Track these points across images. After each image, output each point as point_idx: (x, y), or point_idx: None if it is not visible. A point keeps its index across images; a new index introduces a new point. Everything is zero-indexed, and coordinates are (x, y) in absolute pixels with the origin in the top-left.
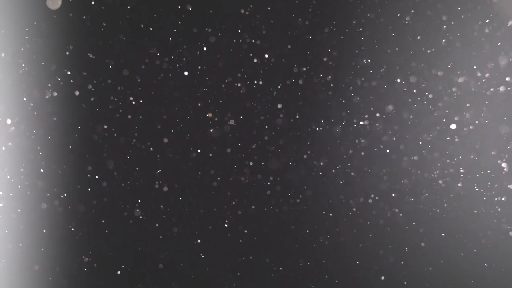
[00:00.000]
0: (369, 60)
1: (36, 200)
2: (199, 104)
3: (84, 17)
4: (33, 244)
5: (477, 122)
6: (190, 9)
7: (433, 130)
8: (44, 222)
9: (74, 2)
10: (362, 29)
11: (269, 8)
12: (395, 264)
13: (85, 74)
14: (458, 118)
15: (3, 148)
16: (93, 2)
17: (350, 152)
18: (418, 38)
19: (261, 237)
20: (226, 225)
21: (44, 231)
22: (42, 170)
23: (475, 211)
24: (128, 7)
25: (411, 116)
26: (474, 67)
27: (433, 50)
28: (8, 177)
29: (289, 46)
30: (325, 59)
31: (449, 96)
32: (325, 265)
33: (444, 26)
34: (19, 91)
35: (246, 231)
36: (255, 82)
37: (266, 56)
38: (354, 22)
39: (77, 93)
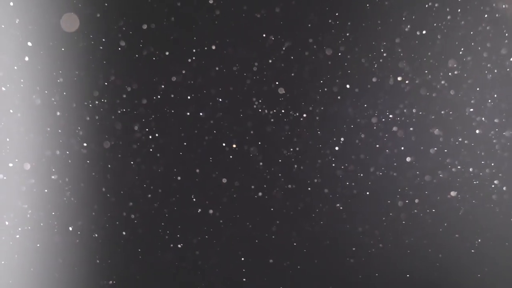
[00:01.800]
0: (387, 58)
1: (55, 233)
2: (215, 132)
3: (103, 40)
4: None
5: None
6: (214, 48)
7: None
8: (62, 253)
9: (94, 24)
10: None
11: (289, 43)
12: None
13: (106, 103)
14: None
15: (24, 188)
16: (121, 23)
17: (376, 152)
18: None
19: (308, 251)
20: (270, 242)
21: (61, 261)
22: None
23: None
24: (153, 25)
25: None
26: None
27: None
28: (28, 216)
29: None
30: (339, 54)
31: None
32: (377, 279)
33: (462, 22)
34: (57, 137)
35: (295, 244)
36: (276, 108)
37: (283, 91)
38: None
39: (107, 144)
